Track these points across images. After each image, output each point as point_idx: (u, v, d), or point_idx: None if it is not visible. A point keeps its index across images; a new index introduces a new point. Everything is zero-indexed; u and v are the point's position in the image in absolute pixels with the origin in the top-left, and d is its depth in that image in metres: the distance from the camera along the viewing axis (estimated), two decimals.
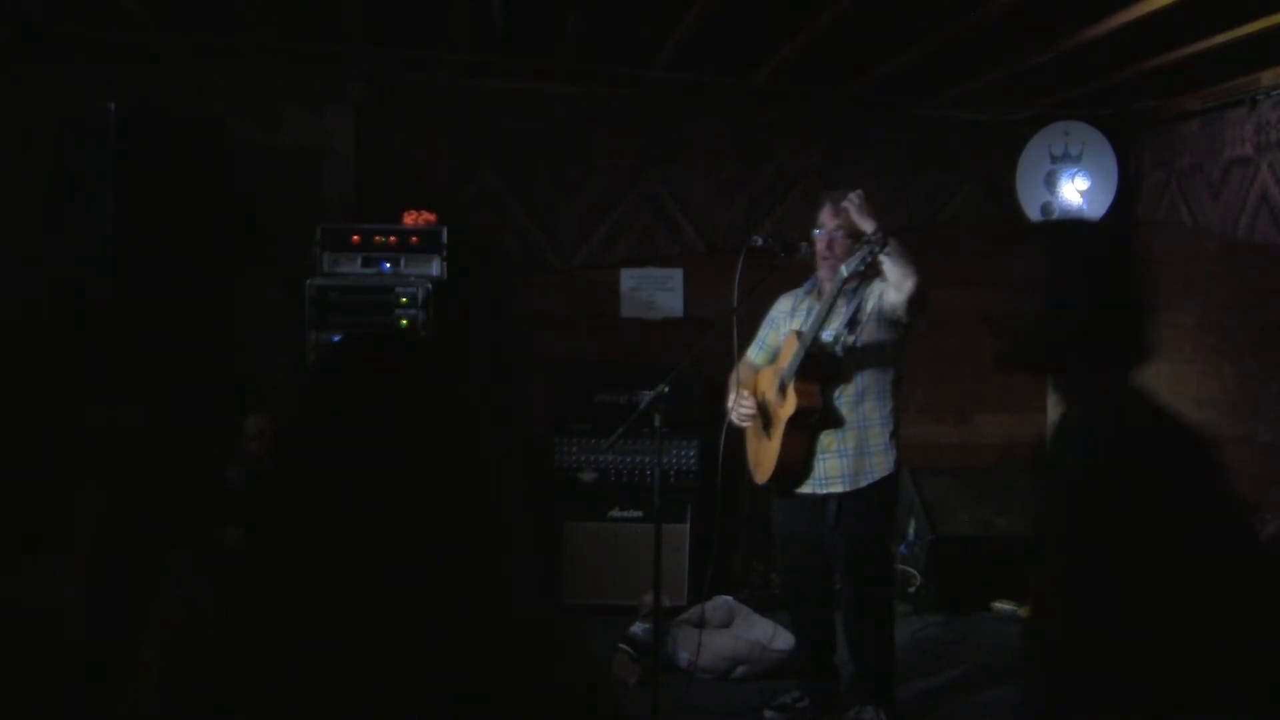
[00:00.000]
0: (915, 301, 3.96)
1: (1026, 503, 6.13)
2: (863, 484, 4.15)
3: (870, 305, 4.14)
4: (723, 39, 5.18)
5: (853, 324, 4.12)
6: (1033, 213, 6.16)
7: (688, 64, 5.59)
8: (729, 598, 5.20)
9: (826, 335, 4.12)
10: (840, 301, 4.11)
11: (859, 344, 4.13)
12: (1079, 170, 6.06)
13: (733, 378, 4.38)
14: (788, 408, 4.12)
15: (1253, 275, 5.27)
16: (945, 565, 5.82)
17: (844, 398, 4.14)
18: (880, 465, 4.16)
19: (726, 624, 5.05)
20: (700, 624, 4.73)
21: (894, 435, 4.19)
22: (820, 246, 4.18)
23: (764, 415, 4.29)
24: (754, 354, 4.47)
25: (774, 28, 4.98)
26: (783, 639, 4.83)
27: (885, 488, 4.19)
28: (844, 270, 3.99)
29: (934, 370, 5.94)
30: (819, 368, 4.08)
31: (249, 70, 5.64)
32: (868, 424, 4.15)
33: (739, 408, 4.28)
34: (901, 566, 5.89)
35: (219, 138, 5.27)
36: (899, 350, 4.21)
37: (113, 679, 3.21)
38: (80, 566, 3.59)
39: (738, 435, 4.42)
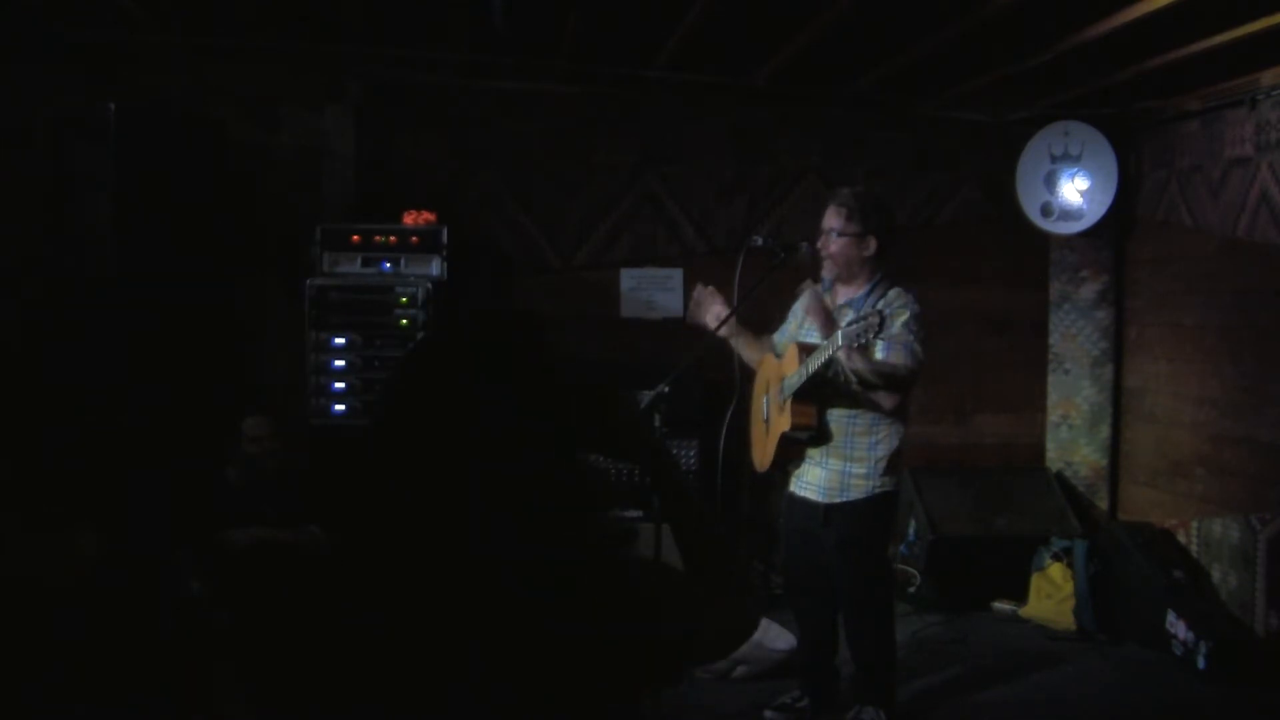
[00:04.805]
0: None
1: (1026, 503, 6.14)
2: (837, 500, 4.15)
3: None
4: (723, 39, 5.18)
5: None
6: (1033, 213, 6.17)
7: (688, 64, 5.59)
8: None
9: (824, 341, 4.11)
10: (846, 313, 4.09)
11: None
12: (1079, 170, 6.06)
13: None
14: (784, 421, 4.12)
15: (1253, 275, 5.27)
16: (945, 565, 5.82)
17: (835, 415, 4.12)
18: (859, 488, 4.12)
19: None
20: None
21: (884, 460, 4.13)
22: (822, 249, 4.17)
23: (767, 408, 4.31)
24: (777, 337, 4.47)
25: (774, 28, 4.98)
26: (783, 639, 4.83)
27: (868, 504, 4.14)
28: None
29: (934, 370, 5.92)
30: (817, 391, 4.06)
31: (249, 70, 5.64)
32: (854, 445, 4.12)
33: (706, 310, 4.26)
34: (901, 566, 5.89)
35: (218, 138, 5.27)
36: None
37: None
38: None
39: (738, 434, 4.42)
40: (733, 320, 4.27)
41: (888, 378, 4.00)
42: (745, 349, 4.41)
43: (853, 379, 4.00)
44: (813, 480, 4.19)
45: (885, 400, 4.07)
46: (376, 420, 1.46)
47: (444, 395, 1.43)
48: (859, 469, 4.12)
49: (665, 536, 4.12)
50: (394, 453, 1.43)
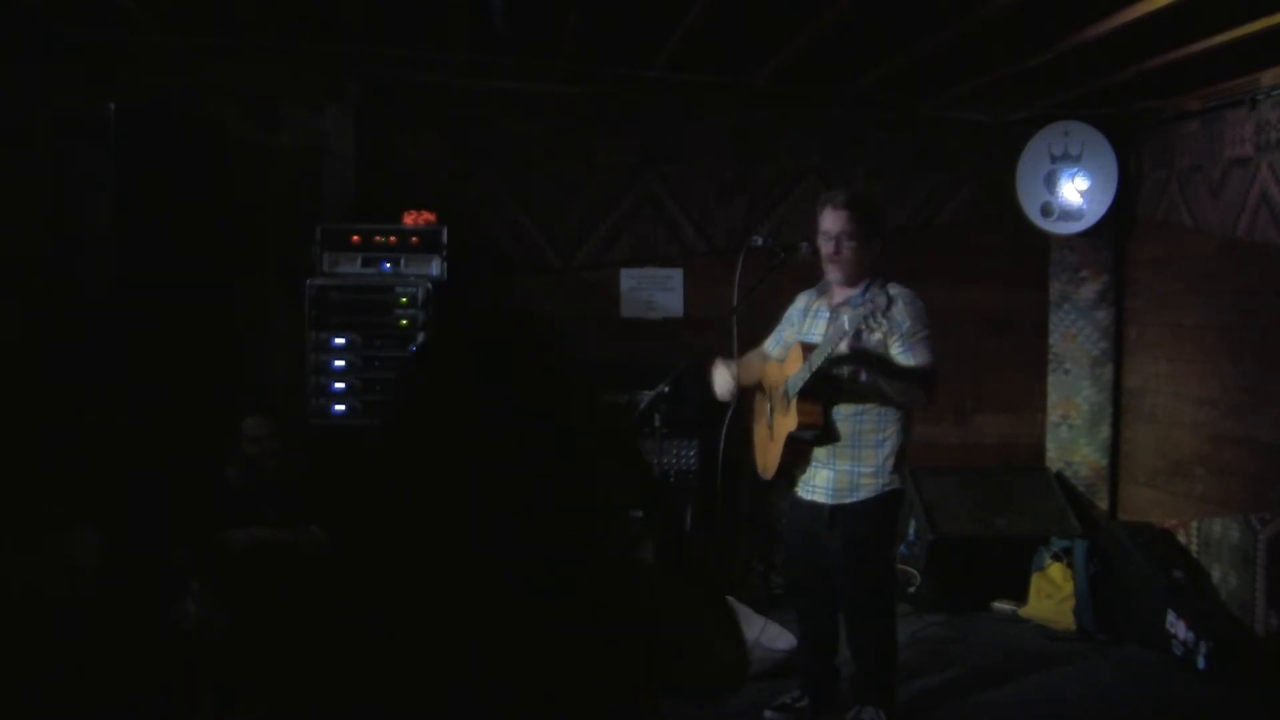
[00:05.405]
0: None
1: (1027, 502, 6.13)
2: (846, 501, 4.14)
3: (878, 335, 4.03)
4: (723, 39, 5.18)
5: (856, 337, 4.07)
6: (1033, 213, 6.17)
7: (688, 64, 5.59)
8: (728, 598, 5.19)
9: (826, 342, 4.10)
10: (844, 311, 4.07)
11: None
12: (1079, 170, 6.06)
13: (728, 361, 4.35)
14: (789, 422, 4.11)
15: (1253, 275, 5.27)
16: (945, 565, 5.82)
17: (841, 414, 4.12)
18: (868, 487, 4.12)
19: None
20: None
21: (890, 458, 4.12)
22: (826, 251, 4.16)
23: (770, 414, 4.31)
24: (770, 345, 4.46)
25: (774, 28, 4.98)
26: (783, 639, 4.83)
27: (877, 502, 4.14)
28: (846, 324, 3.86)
29: None
30: (822, 388, 4.07)
31: (249, 70, 5.64)
32: (861, 444, 4.11)
33: (719, 380, 4.30)
34: (901, 566, 5.89)
35: (218, 138, 5.27)
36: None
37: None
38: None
39: (738, 435, 4.42)
40: (739, 376, 4.30)
41: (925, 377, 4.01)
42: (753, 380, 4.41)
43: (891, 394, 4.01)
44: (820, 483, 4.18)
45: (918, 396, 4.08)
46: (384, 421, 1.47)
47: (444, 395, 1.43)
48: (867, 468, 4.11)
49: None
50: (394, 452, 1.43)
